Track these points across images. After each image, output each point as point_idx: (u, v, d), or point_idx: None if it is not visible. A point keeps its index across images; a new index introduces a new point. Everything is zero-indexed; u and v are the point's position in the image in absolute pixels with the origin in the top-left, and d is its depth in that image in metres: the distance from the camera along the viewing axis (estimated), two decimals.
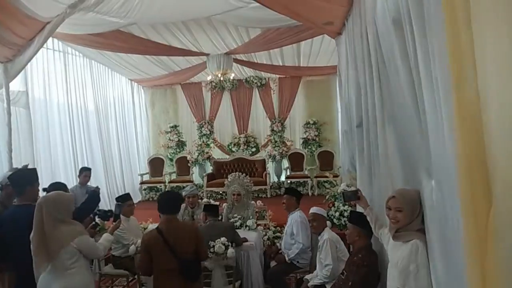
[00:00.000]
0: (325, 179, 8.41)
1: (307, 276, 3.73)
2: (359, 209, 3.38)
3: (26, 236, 2.89)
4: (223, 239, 3.71)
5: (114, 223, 3.44)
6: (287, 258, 4.17)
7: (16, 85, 5.11)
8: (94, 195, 3.75)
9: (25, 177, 3.19)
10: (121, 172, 8.63)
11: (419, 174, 2.03)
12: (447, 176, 1.50)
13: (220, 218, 4.70)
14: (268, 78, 9.87)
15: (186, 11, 5.19)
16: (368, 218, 2.77)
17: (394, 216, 2.19)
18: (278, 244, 4.71)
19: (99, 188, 4.52)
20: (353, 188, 3.69)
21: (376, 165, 2.92)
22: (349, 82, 4.06)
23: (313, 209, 3.90)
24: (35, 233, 2.66)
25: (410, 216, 2.14)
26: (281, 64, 8.39)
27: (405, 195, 2.18)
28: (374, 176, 3.04)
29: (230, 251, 3.66)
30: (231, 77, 8.27)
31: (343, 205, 4.67)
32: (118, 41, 6.27)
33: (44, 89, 6.08)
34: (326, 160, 9.22)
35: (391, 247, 2.34)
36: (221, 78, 7.83)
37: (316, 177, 8.82)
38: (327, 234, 3.62)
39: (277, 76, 9.73)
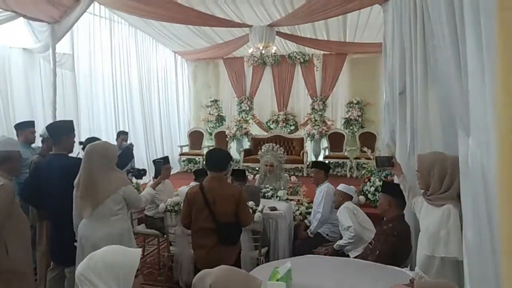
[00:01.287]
0: (365, 161, 8.13)
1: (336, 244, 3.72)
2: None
3: (61, 184, 3.01)
4: (250, 202, 3.66)
5: (155, 179, 3.54)
6: (309, 233, 4.11)
7: (62, 47, 5.30)
8: (127, 150, 3.82)
9: (61, 127, 3.28)
10: (161, 142, 8.85)
11: (457, 135, 1.84)
12: (485, 135, 1.34)
13: (246, 184, 4.67)
14: (312, 55, 9.58)
15: None
16: (402, 187, 2.59)
17: (417, 178, 2.18)
18: (306, 221, 4.62)
19: (132, 145, 4.62)
20: (387, 154, 3.51)
21: (417, 131, 2.72)
22: (394, 49, 3.83)
23: (339, 186, 3.95)
24: (84, 177, 2.71)
25: (426, 178, 2.13)
26: (326, 38, 8.10)
27: (421, 157, 2.21)
28: (416, 143, 2.83)
29: (257, 214, 3.62)
30: (273, 51, 8.10)
31: (379, 180, 4.46)
32: (162, 9, 6.29)
33: (89, 54, 6.27)
34: (368, 141, 8.86)
35: (423, 214, 2.19)
36: (263, 51, 7.69)
37: (355, 158, 8.56)
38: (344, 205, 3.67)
39: (322, 52, 9.43)
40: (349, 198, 3.86)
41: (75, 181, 2.79)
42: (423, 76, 2.50)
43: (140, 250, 1.57)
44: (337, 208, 3.83)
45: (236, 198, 2.96)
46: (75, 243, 2.86)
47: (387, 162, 2.72)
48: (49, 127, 3.33)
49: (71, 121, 3.43)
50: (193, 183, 4.11)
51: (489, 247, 1.39)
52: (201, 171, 4.40)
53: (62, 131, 3.21)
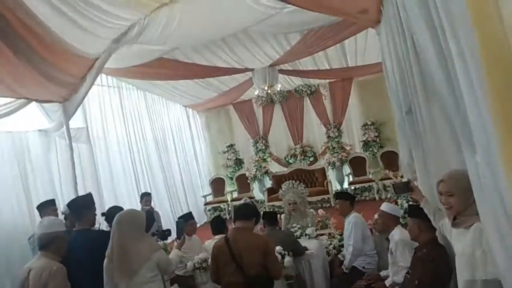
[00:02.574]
0: (391, 181, 7.91)
1: (383, 272, 3.47)
2: None
3: (88, 259, 3.01)
4: (278, 248, 3.56)
5: (178, 241, 3.52)
6: (344, 269, 3.92)
7: (76, 122, 5.50)
8: (148, 214, 3.82)
9: (81, 202, 3.34)
10: (185, 196, 8.86)
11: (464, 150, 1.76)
12: (488, 145, 1.28)
13: (278, 227, 4.58)
14: (318, 85, 9.65)
15: (221, 27, 5.26)
16: (426, 211, 2.47)
17: (447, 202, 1.94)
18: (340, 256, 4.45)
19: (153, 208, 4.64)
20: (404, 179, 3.36)
21: (429, 149, 2.63)
22: (394, 69, 3.81)
23: (382, 206, 3.58)
24: (117, 248, 2.69)
25: (465, 200, 1.88)
26: (328, 67, 8.17)
27: (455, 177, 1.94)
28: (429, 162, 2.73)
29: (287, 259, 3.51)
30: (278, 88, 8.21)
31: (406, 201, 4.29)
32: (165, 69, 6.54)
33: (103, 124, 6.48)
34: (390, 160, 8.68)
35: (454, 236, 2.06)
36: (269, 91, 7.80)
37: (381, 179, 8.34)
38: (398, 235, 3.22)
39: (327, 81, 9.49)
40: (396, 220, 3.40)
41: (107, 252, 2.78)
42: (423, 94, 2.45)
43: None
44: (381, 233, 3.49)
45: (264, 248, 2.84)
46: None
47: (405, 188, 2.62)
48: (69, 204, 3.40)
49: (90, 194, 3.49)
50: (217, 237, 4.06)
51: None
52: (219, 222, 4.30)
53: (82, 205, 3.27)
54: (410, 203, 4.19)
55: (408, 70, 2.81)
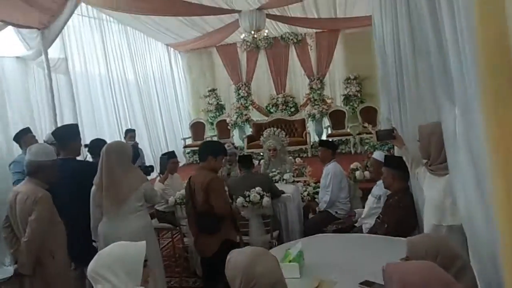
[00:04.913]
0: (367, 136, 8.13)
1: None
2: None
3: (73, 187, 3.05)
4: (258, 188, 3.72)
5: (161, 176, 3.61)
6: (317, 209, 4.15)
7: (55, 52, 5.29)
8: (133, 149, 3.86)
9: (67, 132, 3.32)
10: (165, 137, 8.90)
11: (443, 104, 1.85)
12: (470, 102, 1.35)
13: (256, 171, 4.72)
14: (305, 34, 9.49)
15: None
16: (404, 158, 2.62)
17: (418, 147, 2.21)
18: (316, 200, 4.68)
19: (137, 143, 4.68)
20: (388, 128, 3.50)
21: (409, 102, 2.73)
22: (383, 22, 3.80)
23: (373, 154, 3.86)
24: (105, 177, 2.75)
25: (426, 148, 2.20)
26: (316, 16, 8.02)
27: (421, 127, 2.25)
28: (408, 114, 2.84)
29: (266, 199, 3.67)
30: (265, 34, 8.03)
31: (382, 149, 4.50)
32: (148, 3, 6.25)
33: (84, 56, 6.26)
34: (369, 116, 8.82)
35: (427, 184, 2.23)
36: (255, 36, 7.63)
37: (358, 134, 8.56)
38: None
39: (314, 31, 9.34)
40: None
41: (94, 180, 2.84)
42: (411, 48, 2.50)
43: (144, 242, 1.61)
44: (375, 181, 3.55)
45: (205, 186, 2.92)
46: (94, 243, 2.93)
47: (388, 135, 2.73)
48: (55, 133, 3.39)
49: (76, 125, 3.48)
50: None
51: (481, 215, 1.42)
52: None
53: (68, 135, 3.26)
54: (386, 154, 4.41)
55: (397, 23, 2.83)
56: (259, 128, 9.18)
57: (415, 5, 2.26)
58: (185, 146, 9.52)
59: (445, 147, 1.86)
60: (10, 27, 4.50)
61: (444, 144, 1.85)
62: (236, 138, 9.65)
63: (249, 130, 9.66)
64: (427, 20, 1.83)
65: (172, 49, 9.95)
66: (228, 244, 2.86)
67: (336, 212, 4.18)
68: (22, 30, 4.71)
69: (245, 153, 8.48)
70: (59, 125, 4.94)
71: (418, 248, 1.41)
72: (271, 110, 9.84)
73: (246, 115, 9.71)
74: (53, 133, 3.42)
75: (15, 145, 4.36)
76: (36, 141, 4.05)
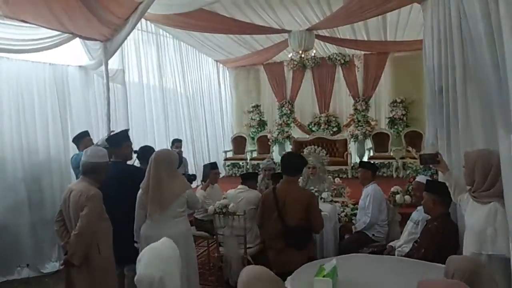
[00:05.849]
0: (410, 160, 7.92)
1: (392, 243, 3.62)
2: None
3: (119, 189, 3.25)
4: None
5: (203, 183, 3.76)
6: (353, 228, 4.14)
7: (114, 63, 5.70)
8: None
9: (119, 137, 3.60)
10: (207, 148, 9.19)
11: (497, 131, 1.84)
12: None
13: None
14: (353, 55, 9.51)
15: None
16: (448, 184, 2.58)
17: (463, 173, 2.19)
18: (354, 221, 4.63)
19: (181, 151, 4.89)
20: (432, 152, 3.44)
21: (456, 128, 2.70)
22: (434, 48, 3.78)
23: (417, 178, 3.85)
24: (152, 182, 2.93)
25: (471, 174, 2.18)
26: (365, 39, 8.03)
27: (467, 154, 2.24)
28: (457, 142, 2.81)
29: None
30: (313, 54, 8.14)
31: (425, 174, 4.38)
32: (203, 21, 6.57)
33: (140, 68, 6.69)
34: (414, 141, 8.63)
35: (469, 211, 2.19)
36: (303, 55, 7.76)
37: (401, 158, 8.37)
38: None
39: (362, 52, 9.34)
40: None
41: (142, 184, 3.03)
42: (462, 75, 2.49)
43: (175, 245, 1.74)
44: (416, 205, 3.48)
45: (307, 202, 3.01)
46: (136, 244, 3.10)
47: (432, 159, 2.69)
48: (108, 139, 3.66)
49: (127, 131, 3.73)
50: (240, 186, 4.29)
51: None
52: (248, 174, 4.62)
53: (119, 141, 3.52)
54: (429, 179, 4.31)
55: (448, 48, 2.82)
56: (299, 146, 9.20)
57: (469, 31, 2.28)
58: (226, 159, 9.74)
59: (502, 175, 1.84)
60: (77, 38, 4.92)
61: (501, 171, 1.84)
62: (276, 154, 9.73)
63: (289, 147, 9.71)
64: (483, 46, 1.84)
65: (221, 65, 10.32)
66: (311, 260, 2.93)
67: (373, 235, 4.12)
68: (87, 42, 5.13)
69: None
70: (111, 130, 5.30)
71: (449, 267, 1.43)
72: (313, 129, 9.86)
73: (287, 132, 9.80)
74: (107, 139, 3.71)
75: (72, 147, 4.73)
76: (93, 144, 4.37)
